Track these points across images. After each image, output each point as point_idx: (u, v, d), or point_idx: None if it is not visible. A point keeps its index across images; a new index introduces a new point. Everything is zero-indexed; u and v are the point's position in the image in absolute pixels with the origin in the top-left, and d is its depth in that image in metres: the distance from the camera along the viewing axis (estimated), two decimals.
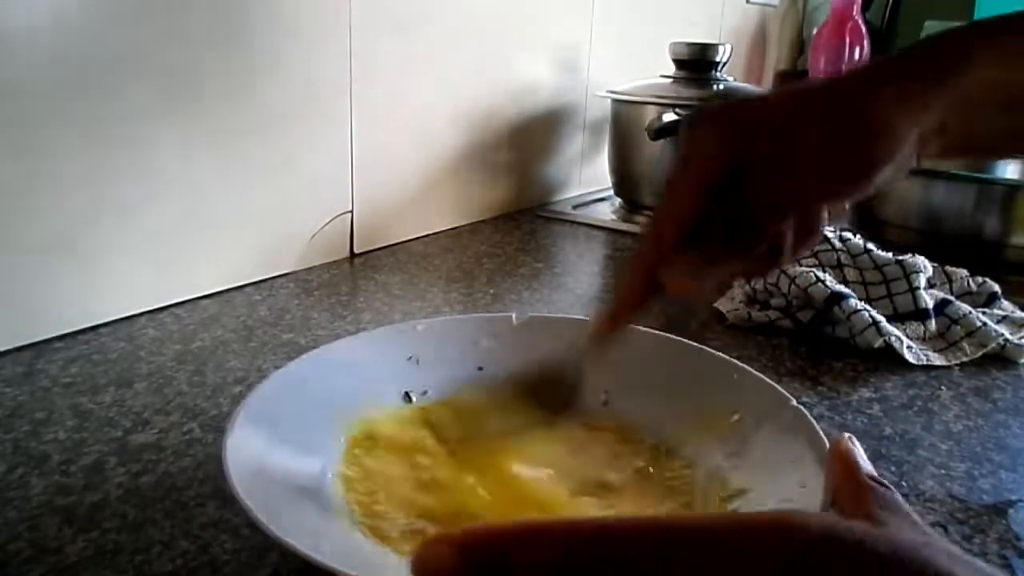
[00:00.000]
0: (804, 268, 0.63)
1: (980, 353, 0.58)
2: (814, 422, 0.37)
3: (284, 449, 0.36)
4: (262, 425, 0.36)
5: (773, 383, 0.42)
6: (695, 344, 0.47)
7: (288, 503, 0.33)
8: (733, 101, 0.36)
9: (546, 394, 0.41)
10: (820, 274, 0.62)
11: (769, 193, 0.34)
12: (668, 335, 0.48)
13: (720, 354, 0.46)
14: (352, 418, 0.41)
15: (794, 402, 0.39)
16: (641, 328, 0.47)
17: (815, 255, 0.66)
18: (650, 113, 0.95)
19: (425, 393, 0.46)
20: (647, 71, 1.03)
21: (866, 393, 0.53)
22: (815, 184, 0.34)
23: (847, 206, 0.37)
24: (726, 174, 0.34)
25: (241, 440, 0.34)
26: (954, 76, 0.32)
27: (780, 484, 0.35)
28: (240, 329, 0.59)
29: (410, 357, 0.46)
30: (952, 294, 0.65)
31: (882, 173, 0.33)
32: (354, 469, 0.38)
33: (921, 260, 0.64)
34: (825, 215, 0.36)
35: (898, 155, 0.33)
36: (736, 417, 0.41)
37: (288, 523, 0.30)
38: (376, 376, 0.44)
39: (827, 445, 0.34)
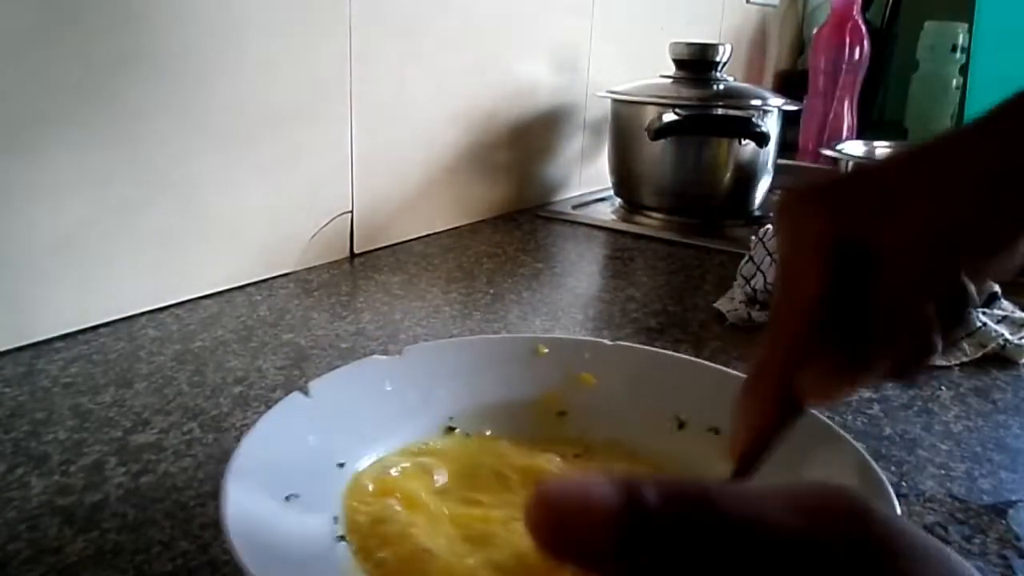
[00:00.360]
0: None
1: (980, 353, 0.58)
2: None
3: (288, 508, 0.32)
4: (260, 480, 0.32)
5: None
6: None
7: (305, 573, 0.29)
8: (836, 175, 0.31)
9: None
10: None
11: (902, 269, 0.28)
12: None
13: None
14: (356, 465, 0.37)
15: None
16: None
17: None
18: (650, 113, 0.95)
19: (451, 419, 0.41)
20: (647, 71, 1.03)
21: (866, 393, 0.53)
22: (952, 255, 0.28)
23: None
24: (846, 256, 0.29)
25: (241, 502, 0.30)
26: None
27: None
28: (240, 329, 0.59)
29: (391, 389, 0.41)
30: None
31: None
32: (364, 526, 0.34)
33: None
34: (973, 291, 0.30)
35: None
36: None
37: None
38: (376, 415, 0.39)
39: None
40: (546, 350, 0.44)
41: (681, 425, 0.40)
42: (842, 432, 0.37)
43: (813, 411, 0.37)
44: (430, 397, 0.41)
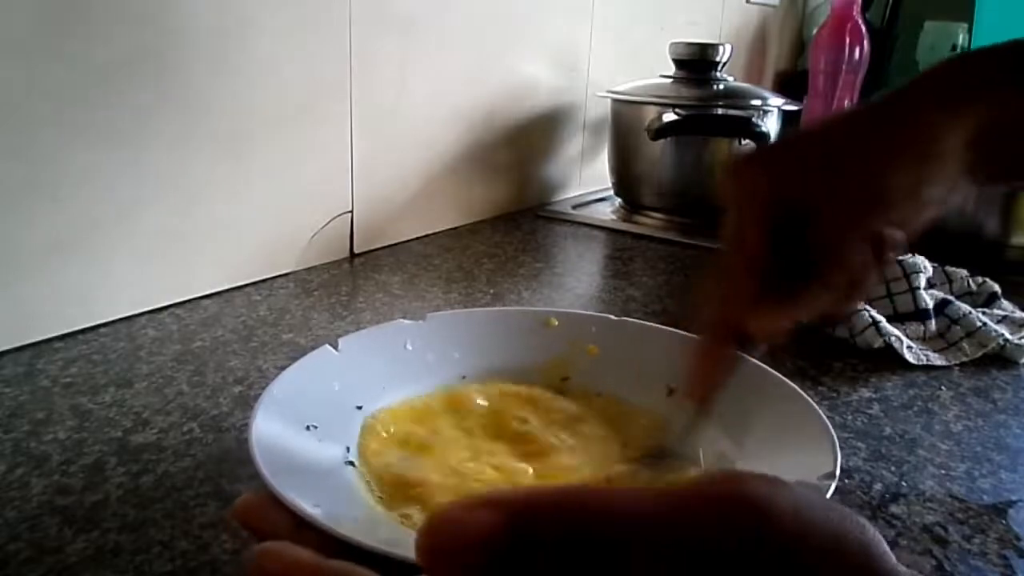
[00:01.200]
0: None
1: (980, 353, 0.58)
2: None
3: (308, 435, 0.36)
4: (285, 411, 0.36)
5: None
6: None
7: (312, 485, 0.32)
8: (775, 142, 0.38)
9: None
10: None
11: (834, 221, 0.34)
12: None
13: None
14: (376, 405, 0.41)
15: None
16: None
17: None
18: (650, 113, 0.95)
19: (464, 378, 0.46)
20: (647, 71, 1.03)
21: (866, 393, 0.53)
22: (871, 206, 0.34)
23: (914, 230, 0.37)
24: (784, 212, 0.34)
25: (265, 425, 0.34)
26: (984, 91, 0.34)
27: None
28: (240, 329, 0.59)
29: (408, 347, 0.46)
30: (952, 294, 0.65)
31: (931, 189, 0.34)
32: (376, 457, 0.38)
33: (921, 260, 0.64)
34: (895, 241, 0.36)
35: (942, 168, 0.34)
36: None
37: (312, 502, 0.29)
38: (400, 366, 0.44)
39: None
40: (556, 322, 0.49)
41: (670, 392, 0.44)
42: (791, 383, 0.40)
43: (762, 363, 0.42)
44: (446, 358, 0.46)
